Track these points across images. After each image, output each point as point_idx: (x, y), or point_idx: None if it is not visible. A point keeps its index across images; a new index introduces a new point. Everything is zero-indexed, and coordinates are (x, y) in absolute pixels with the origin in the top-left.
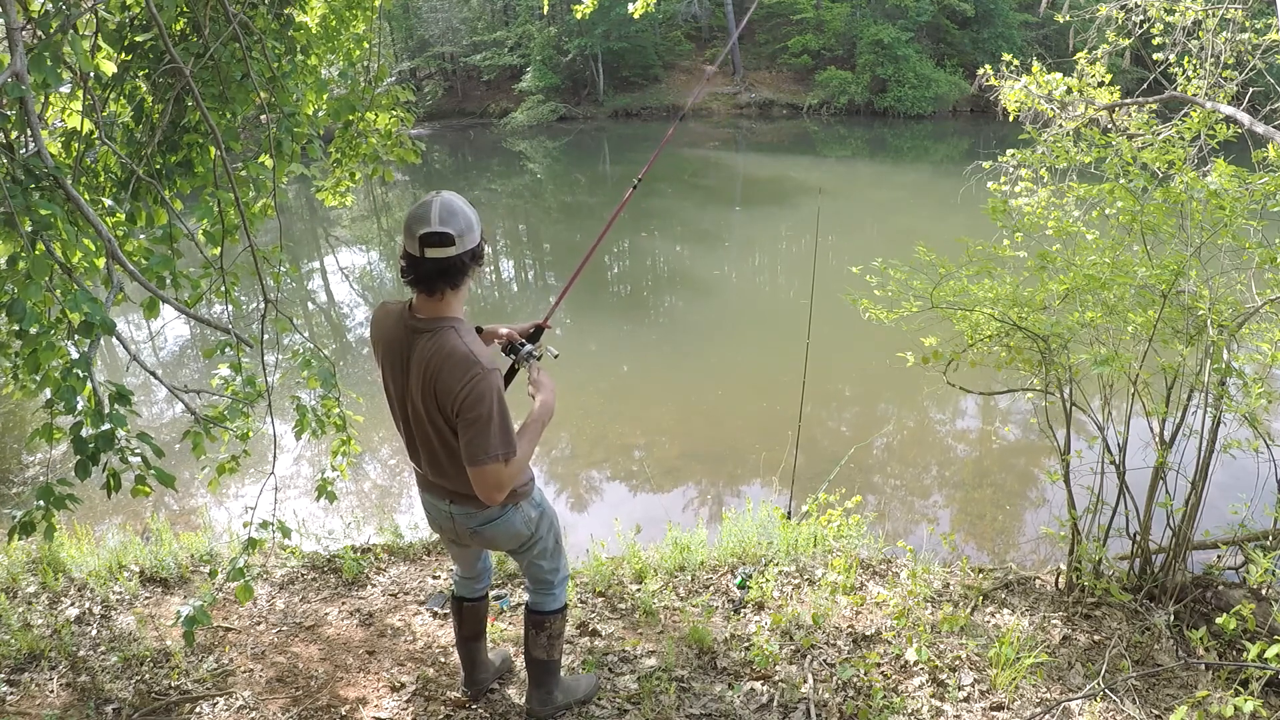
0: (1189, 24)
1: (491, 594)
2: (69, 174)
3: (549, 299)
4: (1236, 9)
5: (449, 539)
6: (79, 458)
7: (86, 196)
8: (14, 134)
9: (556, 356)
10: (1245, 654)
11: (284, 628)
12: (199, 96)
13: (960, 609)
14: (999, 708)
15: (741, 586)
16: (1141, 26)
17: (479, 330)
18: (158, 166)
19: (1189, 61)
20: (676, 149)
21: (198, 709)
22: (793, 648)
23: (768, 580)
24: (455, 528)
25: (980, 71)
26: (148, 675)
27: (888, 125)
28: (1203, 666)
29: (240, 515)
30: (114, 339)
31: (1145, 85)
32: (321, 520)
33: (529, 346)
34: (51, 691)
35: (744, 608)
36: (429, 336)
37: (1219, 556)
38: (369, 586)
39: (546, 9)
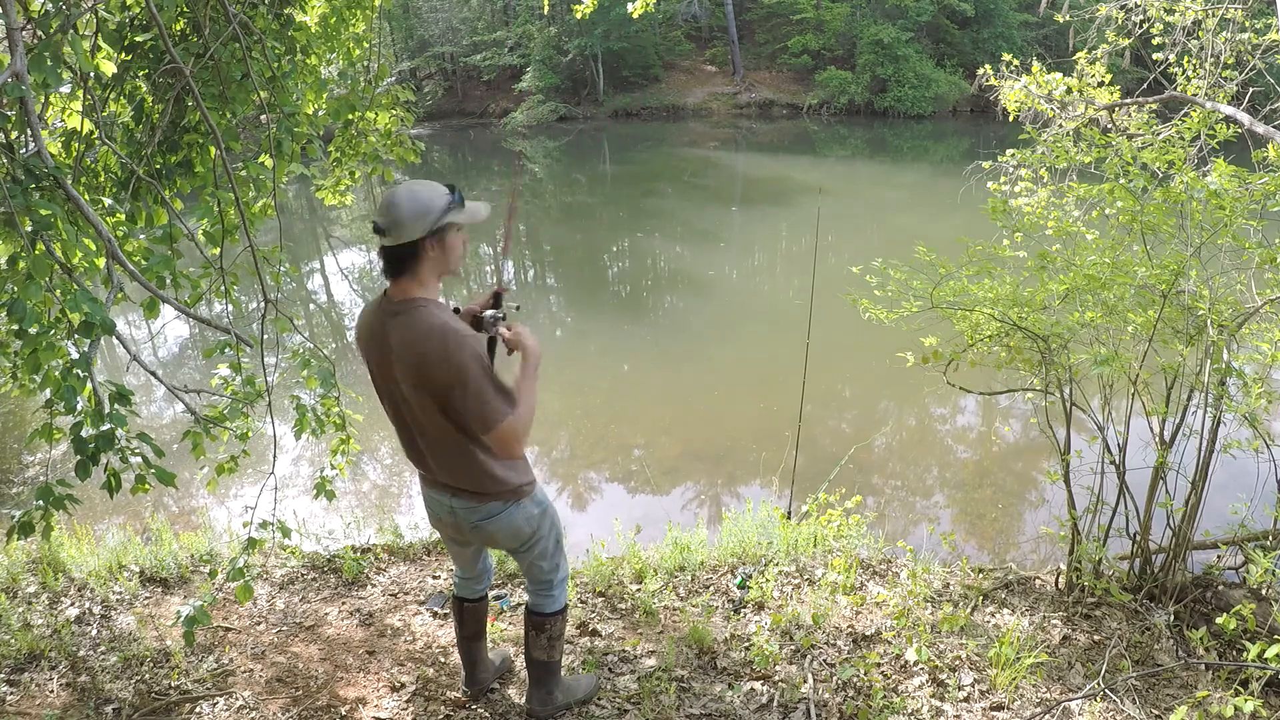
0: (1189, 24)
1: (491, 594)
2: (69, 174)
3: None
4: (1236, 9)
5: (450, 536)
6: (79, 458)
7: (86, 196)
8: (14, 134)
9: (518, 308)
10: (1245, 654)
11: (284, 628)
12: (199, 96)
13: (960, 609)
14: (999, 708)
15: (741, 586)
16: (1141, 26)
17: (456, 311)
18: (158, 166)
19: (1189, 61)
20: (676, 149)
21: (198, 709)
22: (793, 648)
23: (768, 580)
24: (457, 523)
25: (980, 71)
26: (148, 675)
27: (888, 125)
28: (1203, 666)
29: (240, 515)
30: (114, 339)
31: (1145, 85)
32: (321, 520)
33: (491, 312)
34: (51, 691)
35: (744, 608)
36: (403, 317)
37: (1219, 556)
38: (369, 586)
39: (546, 9)
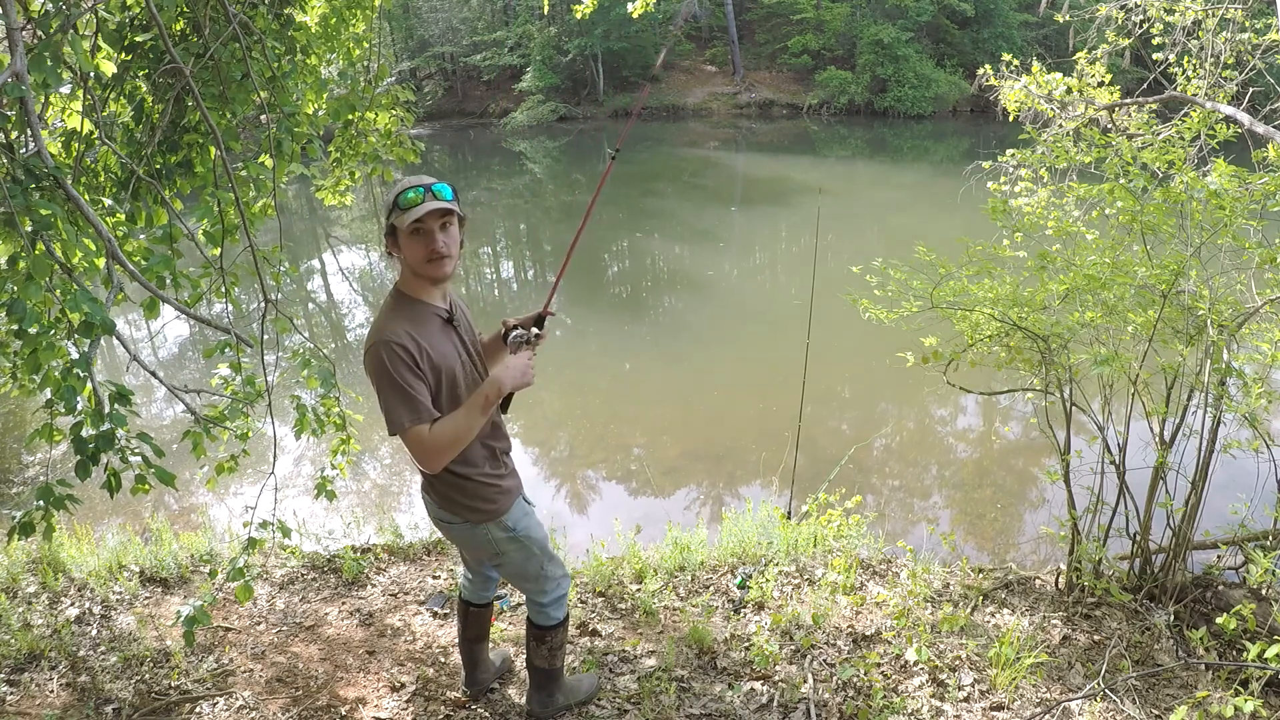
0: (1189, 24)
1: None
2: (69, 174)
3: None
4: (1236, 9)
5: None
6: (79, 458)
7: (86, 196)
8: (14, 134)
9: (539, 337)
10: (1245, 654)
11: (284, 628)
12: (199, 96)
13: (960, 609)
14: (999, 708)
15: (741, 586)
16: (1141, 26)
17: (451, 319)
18: (158, 166)
19: (1189, 61)
20: (676, 149)
21: (198, 709)
22: (793, 648)
23: (768, 580)
24: (430, 514)
25: (980, 71)
26: (148, 675)
27: (888, 125)
28: (1203, 666)
29: (240, 515)
30: (114, 339)
31: (1145, 85)
32: (321, 520)
33: (518, 332)
34: (51, 691)
35: (744, 608)
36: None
37: (1219, 556)
38: (369, 586)
39: (546, 9)
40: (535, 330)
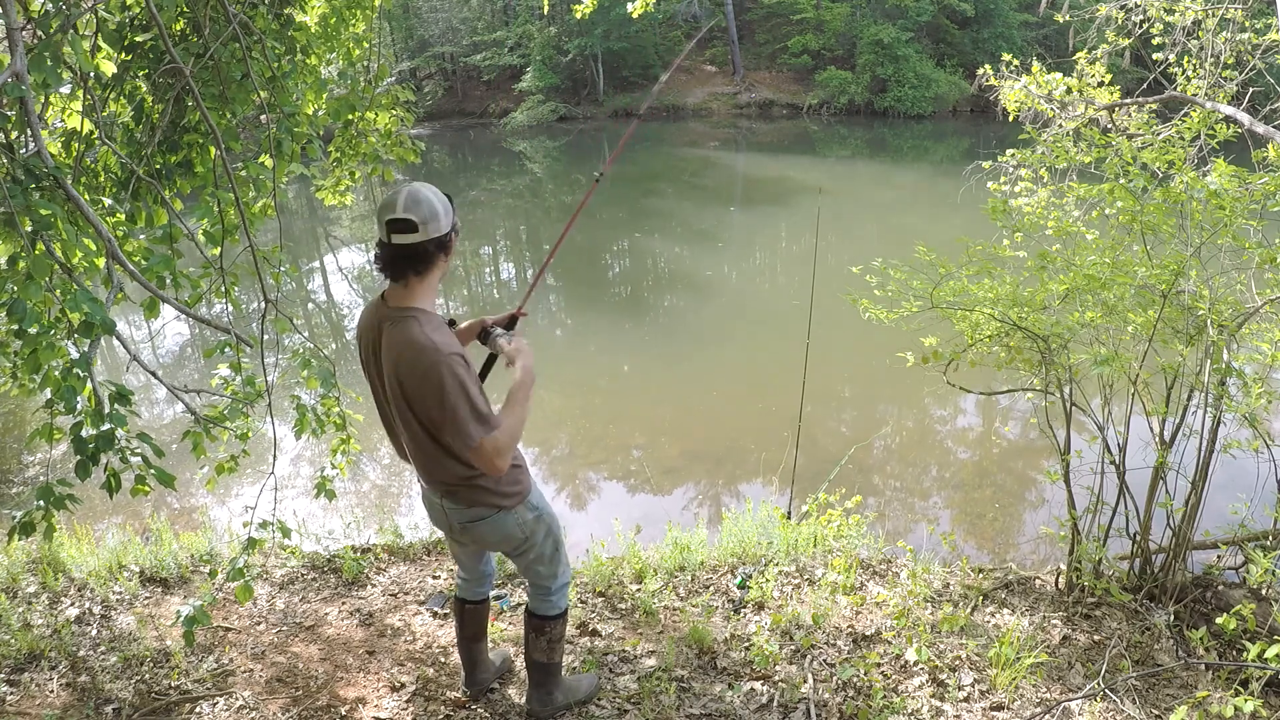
0: (1189, 24)
1: (491, 594)
2: (69, 174)
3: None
4: (1236, 9)
5: (448, 535)
6: (79, 458)
7: (86, 196)
8: (14, 134)
9: (514, 338)
10: (1245, 654)
11: (284, 628)
12: (199, 96)
13: (960, 609)
14: (999, 708)
15: (741, 586)
16: (1141, 26)
17: (453, 324)
18: (158, 166)
19: (1189, 61)
20: (676, 149)
21: (198, 709)
22: (793, 648)
23: (768, 580)
24: (449, 522)
25: (980, 71)
26: (148, 675)
27: (888, 125)
28: (1203, 666)
29: (240, 515)
30: (114, 339)
31: (1145, 85)
32: (321, 520)
33: (500, 331)
34: (51, 691)
35: (744, 608)
36: (394, 325)
37: (1219, 556)
38: (369, 586)
39: (546, 9)
40: (511, 333)
